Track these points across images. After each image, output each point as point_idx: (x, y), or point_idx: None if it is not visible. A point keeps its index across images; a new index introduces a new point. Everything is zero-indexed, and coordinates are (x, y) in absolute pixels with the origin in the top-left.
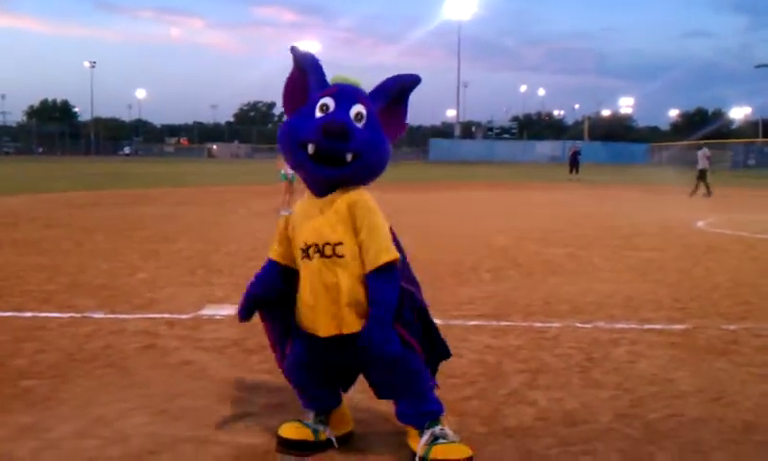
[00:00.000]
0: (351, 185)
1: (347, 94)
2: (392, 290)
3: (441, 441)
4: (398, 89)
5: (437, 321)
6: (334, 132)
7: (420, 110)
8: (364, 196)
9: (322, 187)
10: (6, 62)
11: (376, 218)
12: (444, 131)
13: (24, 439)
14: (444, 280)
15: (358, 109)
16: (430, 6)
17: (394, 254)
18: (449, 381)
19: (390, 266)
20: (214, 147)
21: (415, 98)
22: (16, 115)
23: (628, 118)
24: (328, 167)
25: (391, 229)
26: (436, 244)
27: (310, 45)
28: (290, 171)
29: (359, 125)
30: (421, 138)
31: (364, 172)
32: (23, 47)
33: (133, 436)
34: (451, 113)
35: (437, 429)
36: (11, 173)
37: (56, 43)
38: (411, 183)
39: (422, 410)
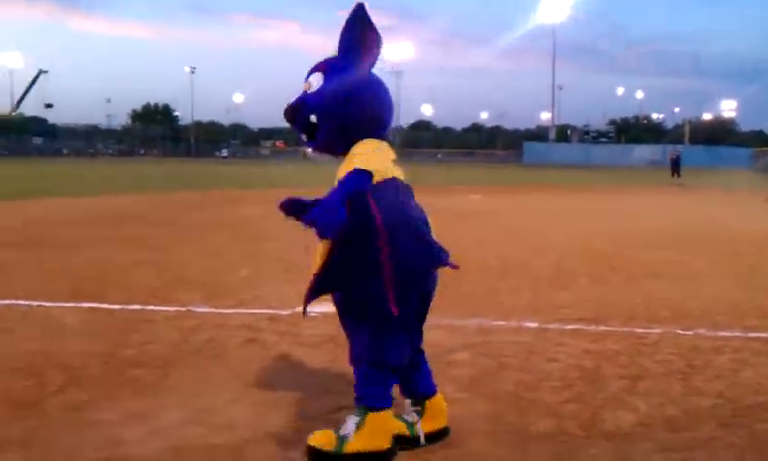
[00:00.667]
0: (353, 142)
1: (309, 71)
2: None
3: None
4: (350, 27)
5: (532, 324)
6: (286, 116)
7: (514, 113)
8: (357, 148)
9: (333, 157)
10: (111, 67)
11: (353, 157)
12: (539, 134)
13: (133, 424)
14: (541, 283)
15: (311, 79)
16: (522, 9)
17: (362, 166)
18: (546, 384)
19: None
20: (309, 150)
21: (508, 100)
22: (121, 118)
23: (730, 122)
24: (310, 141)
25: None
26: (532, 246)
27: (404, 48)
28: None
29: (313, 89)
30: (516, 141)
31: (333, 124)
32: (127, 53)
33: (237, 425)
34: (546, 116)
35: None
36: (115, 174)
37: (158, 49)
38: (506, 186)
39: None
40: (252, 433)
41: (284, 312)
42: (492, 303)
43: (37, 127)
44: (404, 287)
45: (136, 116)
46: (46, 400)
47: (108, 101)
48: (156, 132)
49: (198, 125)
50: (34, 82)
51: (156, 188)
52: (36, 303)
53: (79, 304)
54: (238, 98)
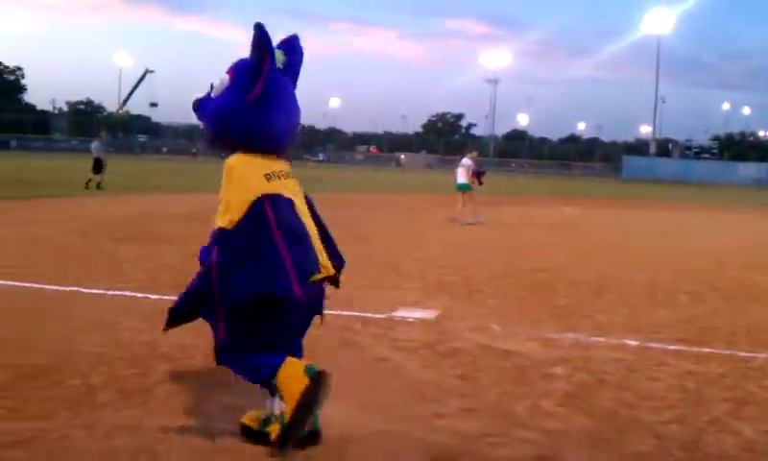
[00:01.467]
0: (234, 150)
1: (229, 67)
2: (206, 252)
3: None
4: (253, 47)
5: (632, 342)
6: (192, 108)
7: (612, 125)
8: (229, 161)
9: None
10: (213, 68)
11: (226, 182)
12: (638, 147)
13: (231, 415)
14: (639, 300)
15: (222, 78)
16: (624, 19)
17: (220, 223)
18: (646, 403)
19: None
20: (402, 156)
21: (606, 112)
22: None
23: None
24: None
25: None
26: (630, 262)
27: (501, 57)
28: (464, 180)
29: (216, 91)
30: (614, 153)
31: (218, 134)
32: (228, 55)
33: (334, 424)
34: (645, 130)
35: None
36: (214, 172)
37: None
38: (604, 199)
39: None
40: (349, 433)
41: (379, 316)
42: (588, 319)
43: (142, 125)
44: (238, 319)
45: None
46: (153, 389)
47: None
48: None
49: None
50: (140, 81)
51: None
52: (140, 295)
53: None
54: (334, 103)
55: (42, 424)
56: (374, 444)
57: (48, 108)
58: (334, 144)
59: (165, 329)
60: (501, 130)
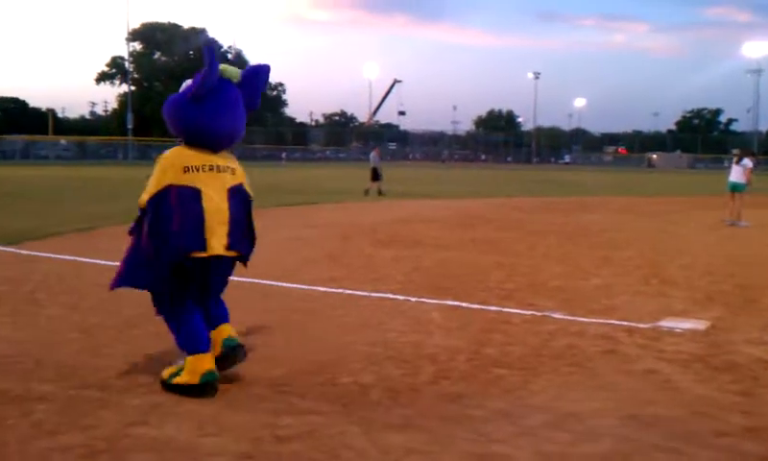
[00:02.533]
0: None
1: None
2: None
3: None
4: (251, 74)
5: None
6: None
7: None
8: (163, 153)
9: None
10: (458, 75)
11: (154, 168)
12: None
13: (500, 422)
14: None
15: (187, 81)
16: None
17: (140, 200)
18: None
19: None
20: (654, 156)
21: None
22: (466, 125)
23: None
24: None
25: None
26: None
27: (764, 46)
28: (741, 180)
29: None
30: None
31: (167, 124)
32: (472, 60)
33: (604, 436)
34: None
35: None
36: (462, 178)
37: (501, 55)
38: None
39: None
40: (622, 447)
41: (643, 325)
42: None
43: (391, 133)
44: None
45: (480, 122)
46: (421, 389)
47: (455, 108)
48: (498, 137)
49: (539, 130)
50: (389, 91)
51: (499, 193)
52: (401, 297)
53: (441, 301)
54: (580, 103)
55: (320, 419)
56: (652, 459)
57: (306, 120)
58: (580, 145)
59: (111, 289)
60: (766, 125)
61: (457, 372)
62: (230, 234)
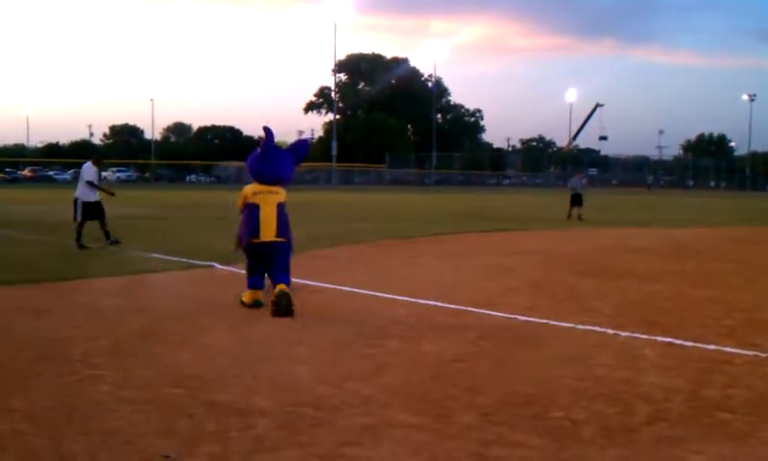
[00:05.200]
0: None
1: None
2: None
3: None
4: (296, 145)
5: None
6: None
7: None
8: (246, 186)
9: None
10: (665, 98)
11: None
12: None
13: None
14: None
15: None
16: None
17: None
18: None
19: None
20: None
21: None
22: (672, 150)
23: None
24: None
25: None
26: None
27: None
28: None
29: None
30: None
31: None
32: (681, 82)
33: None
34: None
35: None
36: (668, 204)
37: (713, 77)
38: None
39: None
40: None
41: None
42: None
43: (591, 158)
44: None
45: (689, 147)
46: (637, 429)
47: (661, 132)
48: (708, 162)
49: (754, 156)
50: (591, 115)
51: (711, 222)
52: (611, 331)
53: (653, 337)
54: None
55: (531, 453)
56: None
57: (503, 145)
58: None
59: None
60: None
61: (675, 413)
62: (278, 229)
